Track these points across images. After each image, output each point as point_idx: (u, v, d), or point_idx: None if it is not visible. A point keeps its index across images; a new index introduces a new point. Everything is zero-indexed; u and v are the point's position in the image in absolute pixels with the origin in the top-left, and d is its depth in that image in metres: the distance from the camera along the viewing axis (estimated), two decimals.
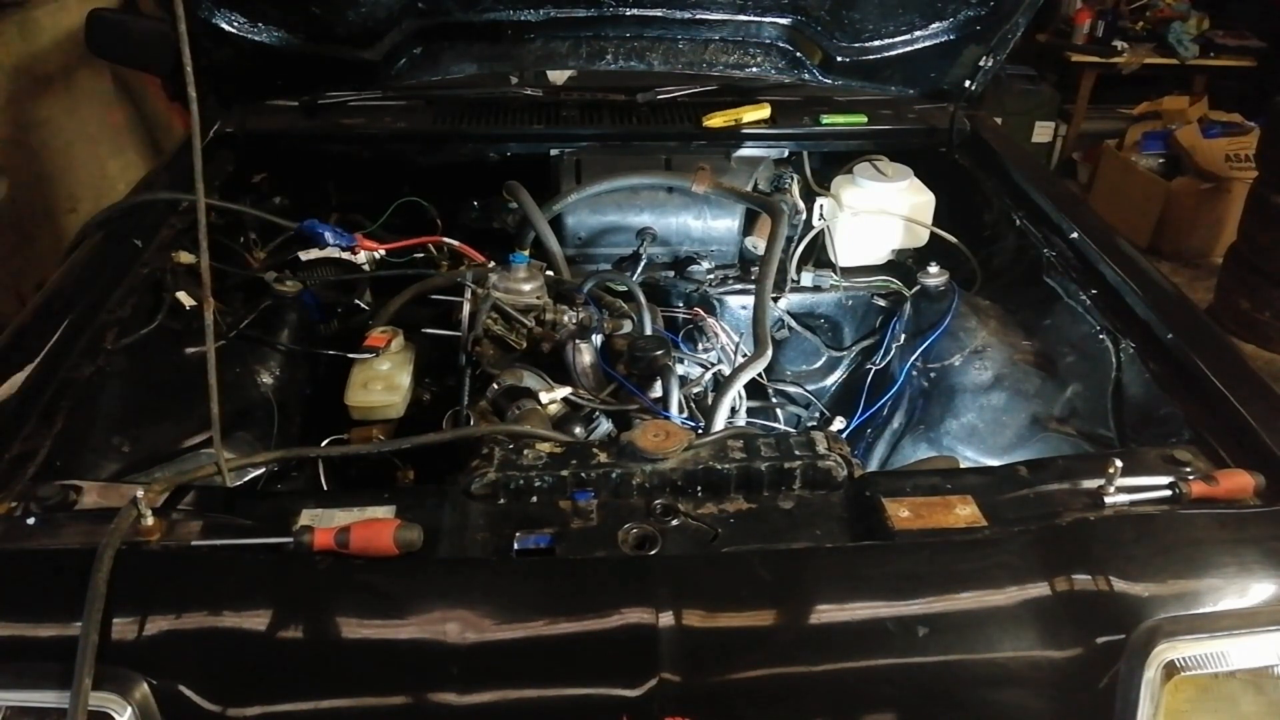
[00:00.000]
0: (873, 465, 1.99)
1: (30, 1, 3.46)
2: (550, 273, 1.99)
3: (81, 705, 0.94)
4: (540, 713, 1.04)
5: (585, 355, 1.79)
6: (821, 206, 2.24)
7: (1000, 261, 2.13)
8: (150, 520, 1.11)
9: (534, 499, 1.28)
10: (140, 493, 1.11)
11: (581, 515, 1.22)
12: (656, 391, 1.75)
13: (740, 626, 1.09)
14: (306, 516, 1.17)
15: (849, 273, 2.24)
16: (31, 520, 1.14)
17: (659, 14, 2.05)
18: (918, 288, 2.06)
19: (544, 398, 1.68)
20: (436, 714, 1.01)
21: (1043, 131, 5.85)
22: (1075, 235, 1.88)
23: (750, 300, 2.05)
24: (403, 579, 1.11)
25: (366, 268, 1.99)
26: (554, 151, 2.30)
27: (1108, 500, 1.20)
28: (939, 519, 1.19)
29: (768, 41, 2.18)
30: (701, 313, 2.13)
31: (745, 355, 2.01)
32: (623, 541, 1.19)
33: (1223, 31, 5.70)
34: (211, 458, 1.26)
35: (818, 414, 2.31)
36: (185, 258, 1.79)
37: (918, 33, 2.16)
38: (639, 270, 2.18)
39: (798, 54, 2.21)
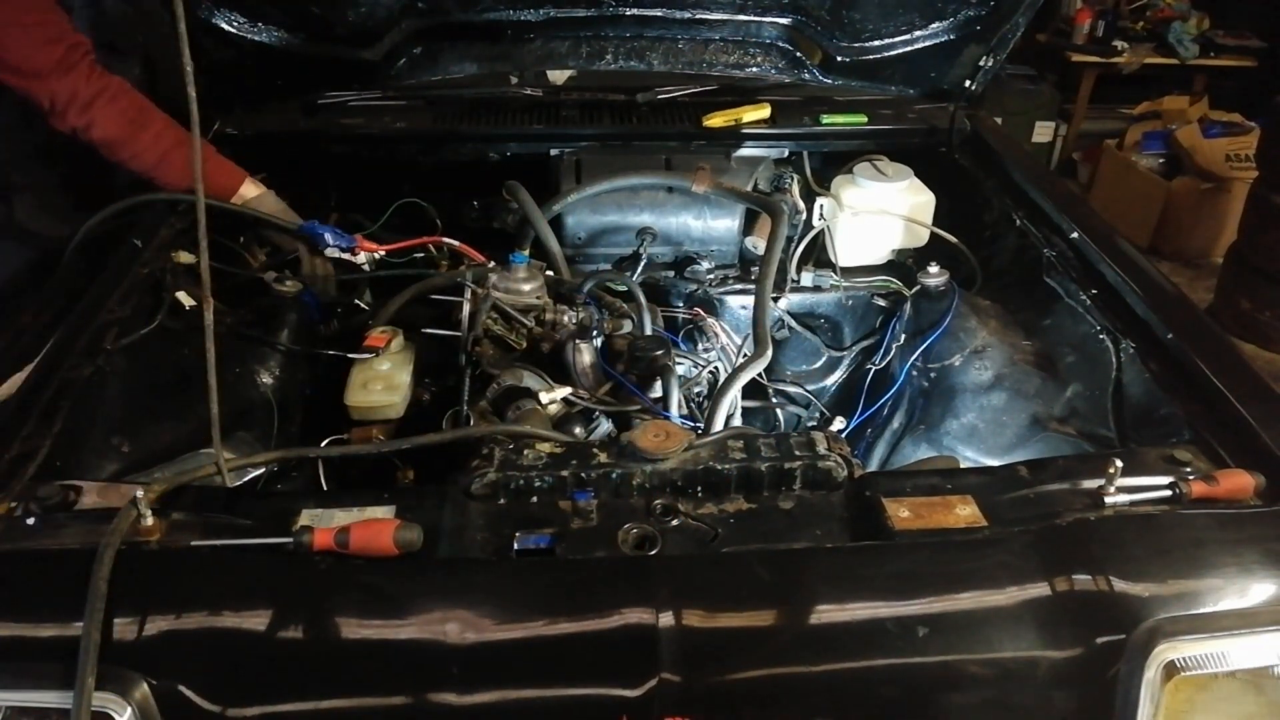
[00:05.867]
0: (873, 465, 1.99)
1: None
2: (550, 273, 1.99)
3: (85, 705, 0.94)
4: (540, 713, 1.05)
5: (585, 355, 1.79)
6: (821, 206, 2.24)
7: (1000, 261, 2.13)
8: (150, 520, 1.11)
9: (534, 499, 1.28)
10: (140, 493, 1.11)
11: (581, 515, 1.22)
12: (656, 391, 1.75)
13: (740, 626, 1.09)
14: (306, 517, 1.17)
15: (849, 273, 2.24)
16: (31, 520, 1.14)
17: (659, 14, 2.05)
18: (918, 288, 2.06)
19: (544, 398, 1.68)
20: (436, 714, 1.01)
21: (1043, 131, 5.85)
22: (1075, 235, 1.88)
23: (750, 300, 2.05)
24: (403, 579, 1.11)
25: (366, 268, 1.99)
26: (554, 151, 2.30)
27: (1108, 500, 1.20)
28: (939, 519, 1.19)
29: (768, 41, 2.18)
30: (701, 313, 2.13)
31: (745, 355, 2.01)
32: (623, 541, 1.19)
33: (1223, 31, 5.70)
34: (211, 458, 1.26)
35: (818, 414, 2.31)
36: (185, 258, 1.79)
37: (918, 33, 2.16)
38: (639, 270, 2.18)
39: (798, 54, 2.21)
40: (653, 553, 1.17)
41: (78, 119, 1.79)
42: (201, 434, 1.32)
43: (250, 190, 1.97)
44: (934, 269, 2.03)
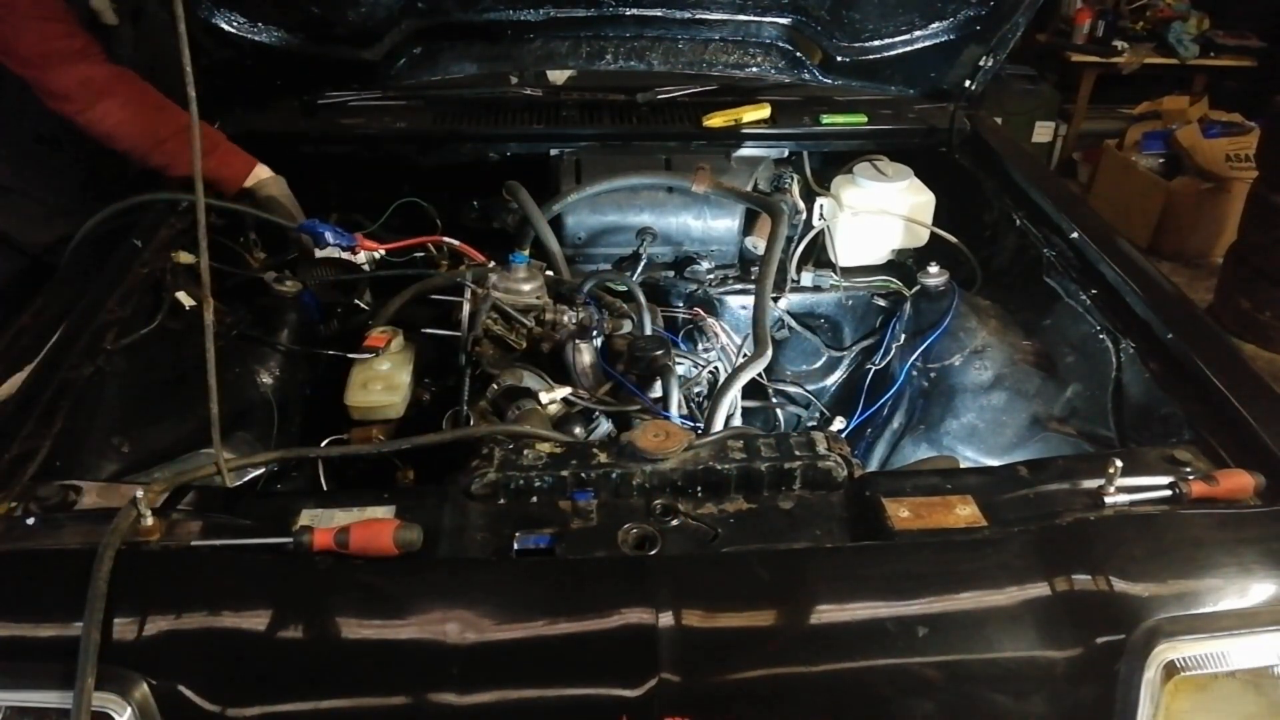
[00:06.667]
0: (873, 465, 1.99)
1: None
2: (550, 273, 1.99)
3: (85, 705, 0.94)
4: (540, 713, 1.04)
5: (585, 355, 1.79)
6: (821, 206, 2.24)
7: (1000, 261, 2.13)
8: (150, 520, 1.11)
9: (534, 499, 1.28)
10: (140, 493, 1.11)
11: (581, 515, 1.22)
12: (656, 391, 1.75)
13: (740, 626, 1.09)
14: (306, 516, 1.17)
15: (849, 273, 2.25)
16: (31, 520, 1.14)
17: (659, 14, 2.05)
18: (918, 288, 2.06)
19: (544, 398, 1.68)
20: (436, 714, 1.01)
21: (1043, 131, 5.85)
22: (1075, 235, 1.88)
23: (750, 300, 2.05)
24: (403, 579, 1.11)
25: (366, 268, 1.99)
26: (554, 151, 2.30)
27: (1108, 500, 1.20)
28: (939, 519, 1.19)
29: (768, 41, 2.18)
30: (701, 313, 2.13)
31: (745, 355, 2.01)
32: (623, 542, 1.19)
33: (1223, 31, 5.71)
34: (211, 458, 1.26)
35: (818, 414, 2.31)
36: (185, 258, 1.79)
37: (918, 33, 2.16)
38: (639, 270, 2.18)
39: (798, 54, 2.21)
40: (653, 553, 1.17)
41: (90, 104, 1.81)
42: (201, 434, 1.32)
43: (262, 173, 2.00)
44: (934, 269, 2.03)
